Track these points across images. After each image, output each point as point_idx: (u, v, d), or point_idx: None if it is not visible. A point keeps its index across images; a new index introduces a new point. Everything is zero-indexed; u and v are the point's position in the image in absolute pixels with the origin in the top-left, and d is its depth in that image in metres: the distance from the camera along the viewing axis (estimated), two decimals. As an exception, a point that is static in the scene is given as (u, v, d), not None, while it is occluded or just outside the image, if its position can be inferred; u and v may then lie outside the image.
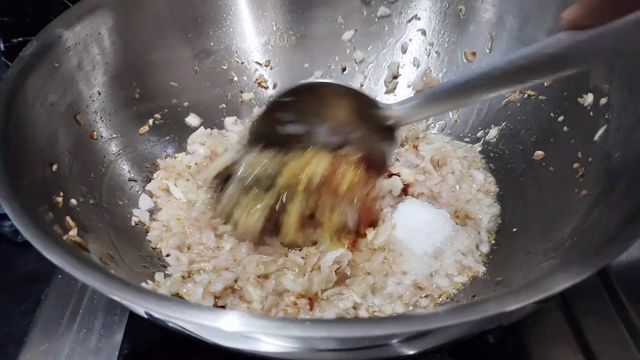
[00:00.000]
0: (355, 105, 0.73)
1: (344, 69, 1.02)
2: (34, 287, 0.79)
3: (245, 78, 1.00)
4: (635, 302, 0.69)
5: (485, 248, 0.78)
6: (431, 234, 0.76)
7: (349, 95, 0.72)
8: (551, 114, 0.81)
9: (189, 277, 0.72)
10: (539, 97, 0.84)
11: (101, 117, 0.82)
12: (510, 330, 0.70)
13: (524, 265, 0.70)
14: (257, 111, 0.97)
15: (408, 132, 0.94)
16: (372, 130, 0.74)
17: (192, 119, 0.94)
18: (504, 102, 0.90)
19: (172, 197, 0.85)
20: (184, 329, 0.50)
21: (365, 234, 0.76)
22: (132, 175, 0.85)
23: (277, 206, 0.74)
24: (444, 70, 0.97)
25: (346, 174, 0.74)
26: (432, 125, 0.97)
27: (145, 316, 0.51)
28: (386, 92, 1.02)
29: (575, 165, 0.72)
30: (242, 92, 1.00)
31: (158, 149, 0.90)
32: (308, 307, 0.68)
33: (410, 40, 0.99)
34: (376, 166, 0.77)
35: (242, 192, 0.75)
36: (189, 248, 0.77)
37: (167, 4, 0.90)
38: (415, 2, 0.97)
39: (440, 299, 0.71)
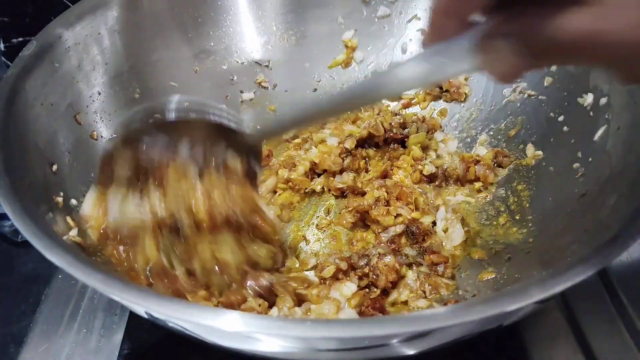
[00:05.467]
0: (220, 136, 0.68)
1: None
2: (34, 287, 0.79)
3: (245, 78, 1.00)
4: (635, 302, 0.69)
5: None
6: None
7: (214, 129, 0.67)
8: (551, 114, 0.81)
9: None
10: (539, 97, 0.84)
11: (101, 117, 0.82)
12: (510, 330, 0.70)
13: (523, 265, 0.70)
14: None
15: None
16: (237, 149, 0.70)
17: (192, 119, 0.94)
18: (504, 102, 0.90)
19: None
20: (184, 328, 0.50)
21: None
22: (132, 175, 0.85)
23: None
24: (444, 70, 0.97)
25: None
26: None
27: (146, 316, 0.51)
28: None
29: (575, 165, 0.72)
30: (242, 92, 1.00)
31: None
32: None
33: (410, 40, 0.99)
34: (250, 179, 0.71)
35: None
36: None
37: (167, 4, 0.90)
38: (415, 2, 0.97)
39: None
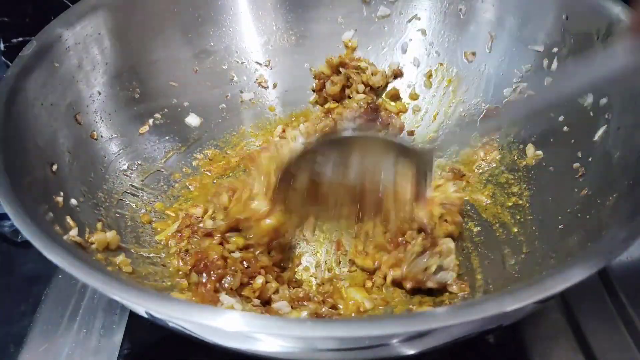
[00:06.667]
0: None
1: (344, 69, 1.02)
2: (34, 287, 0.79)
3: (245, 78, 1.00)
4: (635, 302, 0.69)
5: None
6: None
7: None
8: (551, 114, 0.81)
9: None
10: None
11: (101, 117, 0.82)
12: (510, 330, 0.70)
13: (523, 266, 0.70)
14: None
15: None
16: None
17: (192, 119, 0.95)
18: (504, 102, 0.90)
19: None
20: (184, 328, 0.50)
21: None
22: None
23: None
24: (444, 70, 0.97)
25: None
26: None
27: (146, 316, 0.51)
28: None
29: (575, 165, 0.73)
30: (242, 92, 1.00)
31: (158, 149, 0.90)
32: None
33: (410, 40, 0.99)
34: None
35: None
36: None
37: (167, 4, 0.90)
38: (415, 2, 0.97)
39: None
